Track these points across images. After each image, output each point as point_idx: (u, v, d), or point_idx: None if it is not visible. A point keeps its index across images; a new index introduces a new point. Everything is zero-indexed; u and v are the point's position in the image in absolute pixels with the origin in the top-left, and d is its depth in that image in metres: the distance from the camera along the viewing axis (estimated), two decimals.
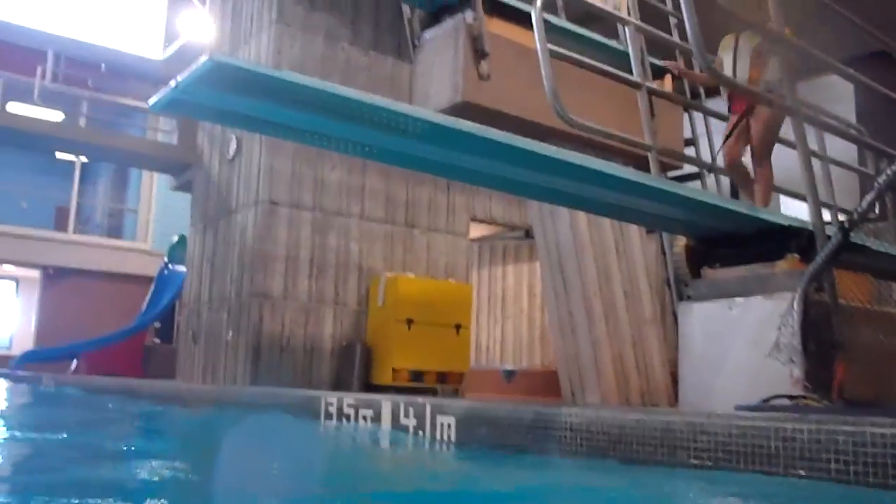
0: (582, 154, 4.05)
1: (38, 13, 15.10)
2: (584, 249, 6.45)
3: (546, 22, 4.56)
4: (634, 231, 6.79)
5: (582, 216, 6.40)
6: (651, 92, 5.03)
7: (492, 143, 3.68)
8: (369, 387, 6.84)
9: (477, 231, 8.96)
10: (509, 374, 9.51)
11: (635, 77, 5.01)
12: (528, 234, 8.73)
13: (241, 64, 3.18)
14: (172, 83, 3.18)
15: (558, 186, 4.32)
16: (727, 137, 5.65)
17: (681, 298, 5.06)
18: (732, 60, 5.48)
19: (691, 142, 7.21)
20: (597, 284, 6.44)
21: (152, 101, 3.42)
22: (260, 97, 3.29)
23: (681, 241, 5.15)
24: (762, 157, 5.47)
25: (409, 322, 7.03)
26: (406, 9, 6.74)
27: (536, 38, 4.85)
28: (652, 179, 4.41)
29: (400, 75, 7.53)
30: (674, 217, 4.81)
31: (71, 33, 14.52)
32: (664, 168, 5.07)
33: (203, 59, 3.01)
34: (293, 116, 3.49)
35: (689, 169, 7.30)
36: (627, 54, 5.34)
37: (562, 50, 5.10)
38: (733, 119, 5.62)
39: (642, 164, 4.94)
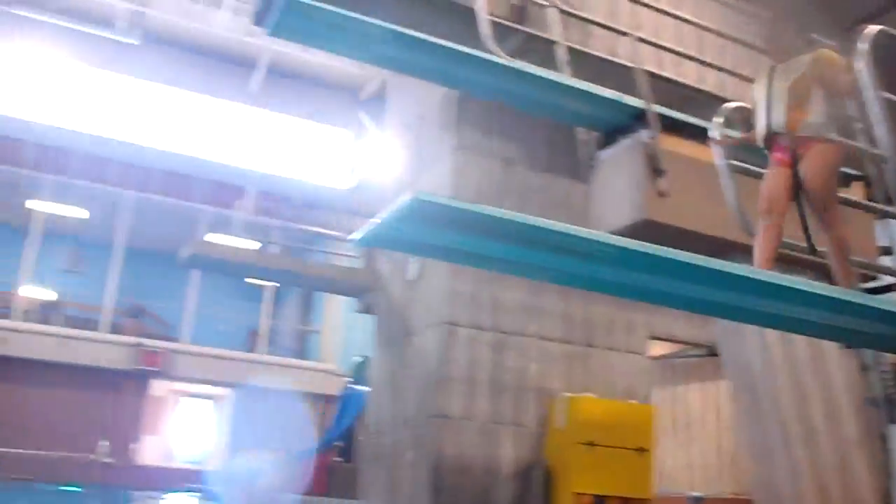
0: (771, 272, 3.91)
1: (239, 153, 16.60)
2: (775, 368, 6.11)
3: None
4: (830, 346, 6.37)
5: (772, 333, 6.09)
6: (841, 201, 4.82)
7: (678, 264, 3.63)
8: None
9: (657, 349, 8.71)
10: (697, 502, 8.97)
11: None
12: (713, 351, 8.38)
13: (442, 201, 3.35)
14: (377, 220, 3.39)
15: (747, 305, 4.16)
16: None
17: (892, 420, 4.65)
18: (766, 101, 4.75)
19: (888, 251, 6.77)
20: (792, 405, 6.04)
21: (355, 235, 3.65)
22: (457, 230, 3.44)
23: (888, 357, 4.78)
24: (827, 212, 4.54)
25: (591, 445, 6.83)
26: (580, 130, 6.88)
27: (715, 155, 4.82)
28: (849, 294, 4.17)
29: (574, 195, 7.61)
30: (875, 332, 4.49)
31: (268, 169, 15.82)
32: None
33: (406, 196, 3.19)
34: (485, 245, 3.61)
35: (886, 279, 6.83)
36: None
37: (741, 163, 5.04)
38: (776, 171, 4.67)
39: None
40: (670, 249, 3.63)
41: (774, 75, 4.80)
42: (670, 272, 3.79)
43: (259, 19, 5.92)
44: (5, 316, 14.76)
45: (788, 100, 4.64)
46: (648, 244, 3.64)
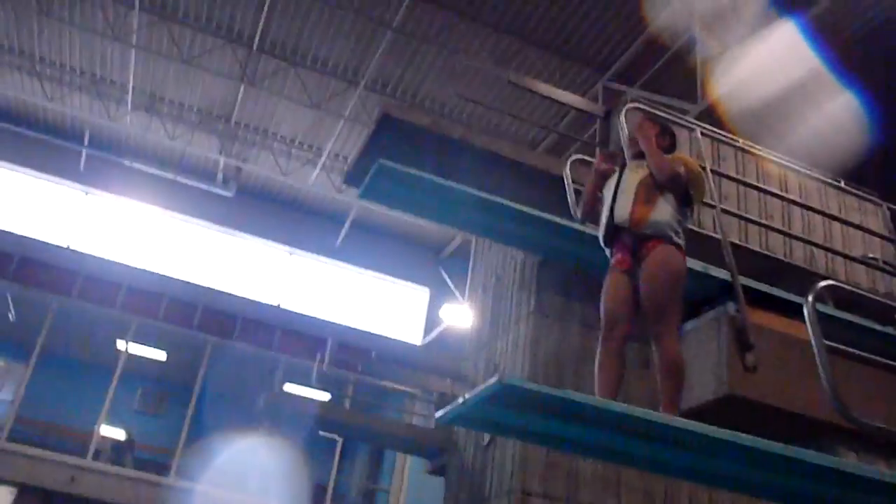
0: (869, 465, 3.67)
1: (320, 304, 16.93)
2: None
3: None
4: None
5: None
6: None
7: (768, 455, 3.44)
8: None
9: None
10: None
11: None
12: None
13: (528, 386, 3.30)
14: (461, 400, 3.36)
15: (849, 501, 3.89)
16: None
17: None
18: (613, 193, 4.30)
19: None
20: None
21: (439, 414, 3.62)
22: (539, 413, 3.38)
23: None
24: (659, 324, 4.03)
25: None
26: None
27: (810, 332, 4.65)
28: None
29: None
30: None
31: (346, 321, 16.05)
32: None
33: (493, 381, 3.16)
34: (568, 430, 3.53)
35: None
36: None
37: (836, 345, 4.84)
38: (615, 278, 4.18)
39: None
40: (759, 439, 3.45)
41: (628, 167, 4.44)
42: (756, 461, 3.59)
43: (350, 180, 6.16)
44: (81, 454, 14.90)
45: (636, 194, 4.20)
46: (736, 433, 3.47)
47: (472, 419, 3.63)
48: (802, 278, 5.39)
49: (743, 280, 5.77)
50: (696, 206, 4.71)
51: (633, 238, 4.17)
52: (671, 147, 4.63)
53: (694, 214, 4.77)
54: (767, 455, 3.40)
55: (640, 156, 4.47)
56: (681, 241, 4.16)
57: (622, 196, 4.25)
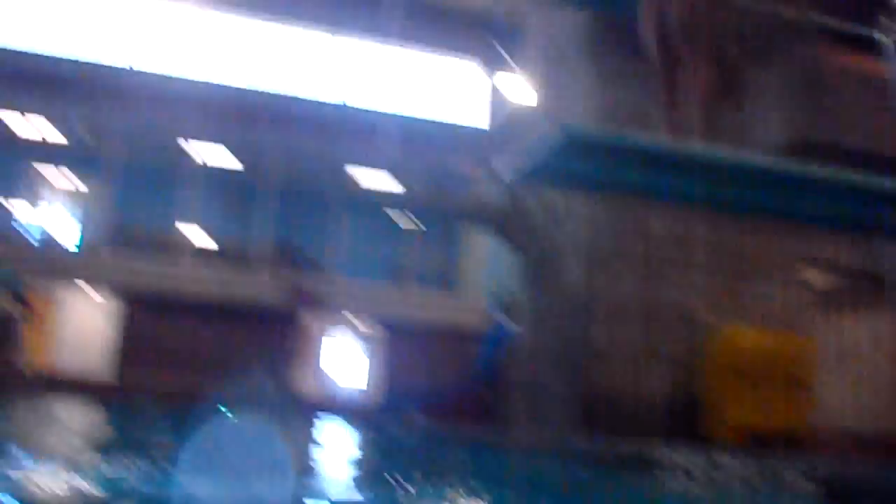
0: None
1: (376, 92, 16.80)
2: None
3: None
4: None
5: None
6: None
7: (835, 184, 3.40)
8: (703, 444, 6.52)
9: (816, 278, 8.26)
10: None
11: None
12: (877, 280, 7.87)
13: (593, 131, 3.29)
14: (524, 154, 3.36)
15: None
16: None
17: None
18: None
19: None
20: None
21: (510, 173, 3.63)
22: (608, 160, 3.36)
23: None
24: None
25: (745, 377, 6.62)
26: (731, 47, 6.51)
27: (887, 67, 4.45)
28: None
29: (728, 115, 7.24)
30: None
31: (405, 109, 15.92)
32: None
33: (554, 129, 3.13)
34: (636, 174, 3.52)
35: None
36: None
37: None
38: None
39: None
40: (825, 168, 3.41)
41: None
42: (827, 193, 3.56)
43: None
44: (167, 257, 15.73)
45: None
46: (801, 164, 3.43)
47: (539, 173, 3.65)
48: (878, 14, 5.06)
49: (816, 17, 5.48)
50: None
51: None
52: None
53: None
54: (839, 184, 3.37)
55: None
56: None
57: None
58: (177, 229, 16.31)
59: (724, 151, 3.31)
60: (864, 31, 5.45)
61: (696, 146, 3.25)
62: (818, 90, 5.33)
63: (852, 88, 5.46)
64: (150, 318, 15.06)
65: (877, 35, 4.56)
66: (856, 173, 3.38)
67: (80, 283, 15.24)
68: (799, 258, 7.59)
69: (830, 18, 5.56)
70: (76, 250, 16.61)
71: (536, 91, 8.85)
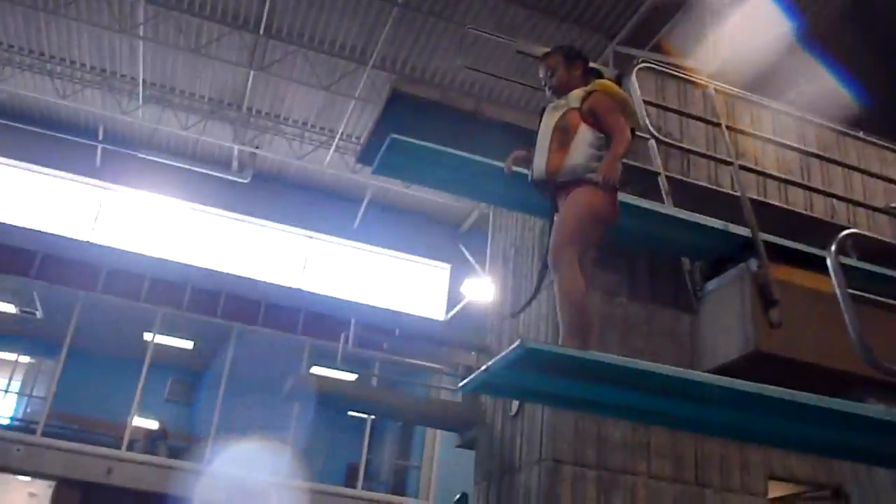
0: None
1: (341, 285, 17.00)
2: None
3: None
4: None
5: None
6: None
7: (793, 405, 3.41)
8: None
9: (777, 490, 8.11)
10: None
11: None
12: (838, 493, 7.76)
13: (551, 349, 3.29)
14: (484, 368, 3.36)
15: (880, 448, 3.85)
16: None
17: None
18: (538, 144, 4.02)
19: None
20: None
21: (463, 384, 3.63)
22: (565, 376, 3.37)
23: None
24: (557, 255, 3.69)
25: None
26: (684, 261, 6.73)
27: (834, 282, 4.60)
28: None
29: (680, 326, 7.37)
30: None
31: (369, 301, 16.11)
32: None
33: (515, 345, 3.14)
34: (593, 391, 3.52)
35: None
36: None
37: (861, 293, 4.79)
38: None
39: None
40: (784, 389, 3.43)
41: (545, 113, 4.09)
42: (785, 413, 3.56)
43: (364, 159, 6.14)
44: (115, 446, 15.11)
45: (551, 141, 3.90)
46: (761, 385, 3.45)
47: (497, 385, 3.63)
48: (824, 232, 5.32)
49: (764, 236, 5.72)
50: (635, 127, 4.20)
51: (553, 188, 3.95)
52: (586, 72, 4.21)
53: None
54: (796, 406, 3.38)
55: (558, 92, 4.13)
56: (597, 178, 3.74)
57: (539, 149, 3.99)
58: (128, 419, 15.79)
59: (672, 369, 3.34)
60: (811, 248, 5.70)
61: (648, 364, 3.28)
62: (770, 304, 5.46)
63: (803, 304, 5.61)
64: None
65: (825, 253, 4.74)
66: (808, 394, 3.40)
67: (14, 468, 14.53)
68: (761, 471, 7.49)
69: (780, 237, 5.83)
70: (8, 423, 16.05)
71: (496, 292, 8.99)
